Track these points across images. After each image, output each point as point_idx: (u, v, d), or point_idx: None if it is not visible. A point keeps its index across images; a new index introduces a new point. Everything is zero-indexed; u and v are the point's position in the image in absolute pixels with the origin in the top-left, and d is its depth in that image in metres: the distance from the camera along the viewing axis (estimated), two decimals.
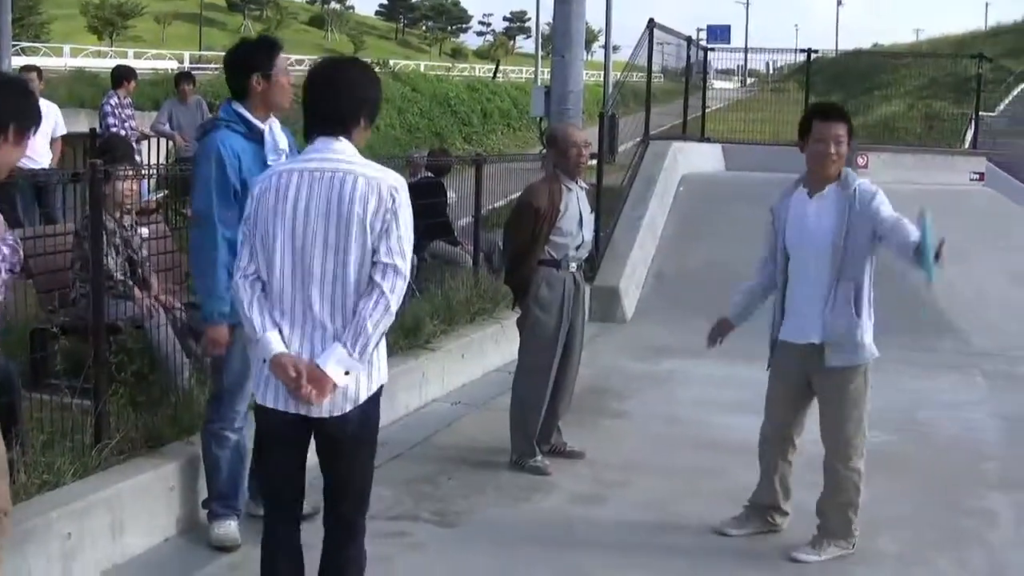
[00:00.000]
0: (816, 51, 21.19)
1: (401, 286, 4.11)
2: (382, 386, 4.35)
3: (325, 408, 4.18)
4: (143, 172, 8.91)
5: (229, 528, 5.79)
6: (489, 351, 10.14)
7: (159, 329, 6.92)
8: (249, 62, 5.58)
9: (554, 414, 7.49)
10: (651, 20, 16.40)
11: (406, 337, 8.88)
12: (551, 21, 14.59)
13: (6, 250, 3.90)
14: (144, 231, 7.90)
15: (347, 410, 4.21)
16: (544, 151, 14.90)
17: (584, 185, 7.62)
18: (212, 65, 50.29)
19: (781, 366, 6.05)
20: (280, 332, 4.16)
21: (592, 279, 12.66)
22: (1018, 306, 12.90)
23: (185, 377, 6.73)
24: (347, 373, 4.11)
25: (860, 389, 5.85)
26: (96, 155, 9.36)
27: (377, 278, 4.07)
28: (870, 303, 5.82)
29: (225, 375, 5.69)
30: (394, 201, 4.10)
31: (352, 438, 4.32)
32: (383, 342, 4.26)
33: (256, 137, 5.54)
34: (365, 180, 4.11)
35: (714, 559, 5.99)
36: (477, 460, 7.51)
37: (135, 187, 7.64)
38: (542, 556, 5.94)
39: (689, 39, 19.40)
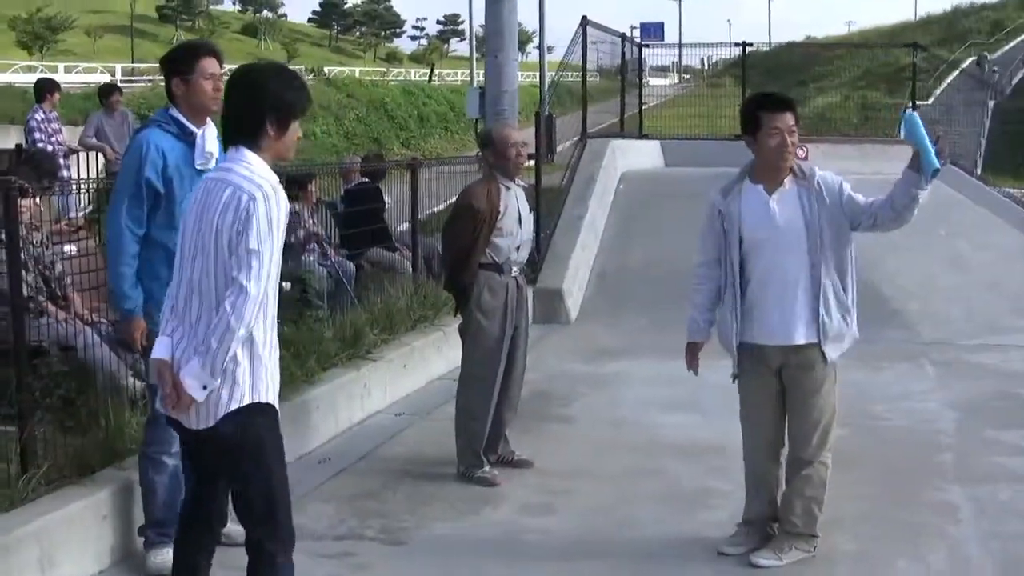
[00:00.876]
0: (751, 44, 21.14)
1: (243, 303, 3.95)
2: (268, 404, 4.21)
3: (192, 419, 4.14)
4: (65, 188, 8.63)
5: (166, 556, 5.50)
6: (432, 359, 9.93)
7: (91, 349, 6.68)
8: (171, 65, 5.53)
9: (500, 423, 7.30)
10: (584, 18, 16.25)
11: (346, 348, 8.65)
12: (484, 24, 14.44)
13: None
14: (71, 248, 7.65)
15: (211, 424, 4.12)
16: (480, 153, 14.84)
17: (523, 184, 7.45)
18: (146, 77, 49.77)
19: (756, 371, 5.79)
20: (173, 338, 4.14)
21: (535, 281, 12.50)
22: (962, 293, 12.89)
23: (116, 399, 6.49)
24: (205, 387, 4.03)
25: (834, 379, 5.74)
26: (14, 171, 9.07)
27: (225, 294, 3.99)
28: (853, 292, 5.71)
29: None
30: (247, 212, 3.96)
31: (226, 452, 4.22)
32: (263, 358, 4.14)
33: (188, 139, 5.46)
34: (232, 190, 4.01)
35: (665, 564, 5.84)
36: (423, 472, 7.30)
37: (39, 203, 7.40)
38: (493, 571, 5.76)
39: (623, 36, 19.28)
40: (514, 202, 7.10)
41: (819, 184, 5.60)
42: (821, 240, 5.55)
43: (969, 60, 51.73)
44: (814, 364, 5.64)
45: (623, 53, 18.79)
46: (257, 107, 4.14)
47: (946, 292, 12.94)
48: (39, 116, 13.44)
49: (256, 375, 4.13)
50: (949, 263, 13.53)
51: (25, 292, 6.78)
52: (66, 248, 7.62)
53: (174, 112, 5.48)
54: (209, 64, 5.49)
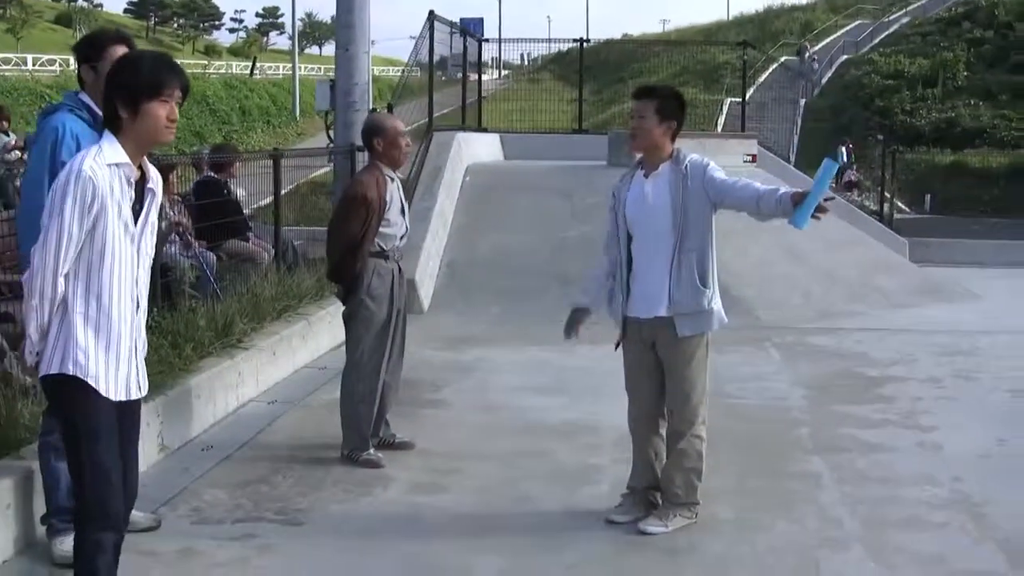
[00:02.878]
0: (588, 40, 21.58)
1: (28, 274, 4.23)
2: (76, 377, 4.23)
3: None
4: None
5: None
6: (297, 348, 10.03)
7: None
8: (81, 53, 5.61)
9: (383, 406, 7.46)
10: (431, 12, 16.43)
11: (219, 337, 8.69)
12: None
13: None
14: None
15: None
16: (332, 143, 14.89)
17: (400, 175, 7.63)
18: None
19: (633, 344, 6.17)
20: None
21: None
22: (798, 281, 13.55)
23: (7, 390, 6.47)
24: (36, 353, 4.30)
25: (703, 356, 6.07)
26: None
27: None
28: (714, 272, 6.02)
29: None
30: (53, 190, 4.24)
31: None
32: (78, 330, 4.21)
33: (98, 126, 5.44)
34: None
35: (561, 535, 6.08)
36: (307, 457, 7.42)
37: None
38: (393, 546, 5.93)
39: (465, 30, 19.52)
40: (397, 193, 7.28)
41: (687, 167, 5.96)
42: (684, 219, 5.90)
43: (783, 58, 53.48)
44: (679, 339, 5.99)
45: (465, 47, 19.05)
46: (108, 94, 4.28)
47: (782, 279, 13.57)
48: None
49: (68, 346, 4.20)
50: (783, 252, 14.16)
51: None
52: None
53: (84, 98, 5.54)
54: (118, 51, 5.53)
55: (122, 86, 4.23)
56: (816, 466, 7.34)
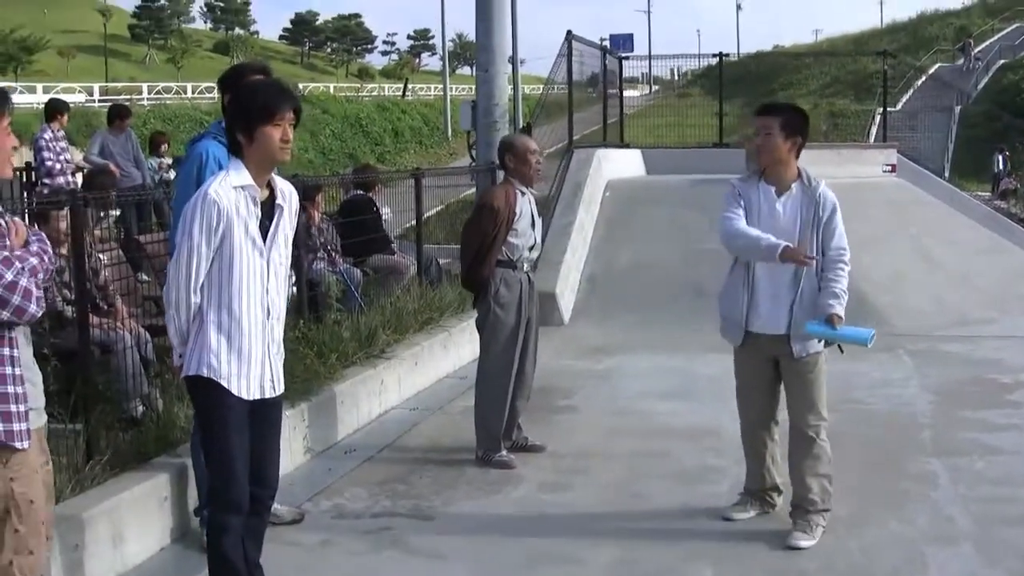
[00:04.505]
0: (727, 54, 21.67)
1: (166, 287, 4.81)
2: (208, 378, 4.74)
3: None
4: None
5: None
6: (439, 358, 10.49)
7: (127, 351, 7.21)
8: (224, 83, 5.98)
9: (514, 410, 7.86)
10: (569, 32, 16.83)
11: (363, 348, 9.19)
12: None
13: (45, 257, 4.05)
14: (103, 257, 8.15)
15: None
16: (474, 162, 15.37)
17: (534, 191, 8.04)
18: (122, 96, 50.08)
19: (750, 356, 6.33)
20: None
21: None
22: (934, 289, 13.53)
23: (137, 403, 7.09)
24: (180, 356, 4.85)
25: (822, 370, 6.22)
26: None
27: None
28: None
29: None
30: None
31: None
32: (212, 337, 4.71)
33: None
34: None
35: (676, 530, 6.39)
36: (443, 459, 7.86)
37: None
38: (519, 540, 6.30)
39: (605, 49, 19.85)
40: (528, 207, 7.69)
41: (820, 197, 6.14)
42: (811, 244, 6.05)
43: (936, 65, 52.50)
44: (803, 360, 6.16)
45: (604, 65, 19.38)
46: (229, 122, 4.80)
47: (917, 286, 13.58)
48: (48, 135, 13.87)
49: (203, 352, 4.72)
50: (920, 259, 14.18)
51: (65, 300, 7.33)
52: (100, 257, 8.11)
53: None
54: None
55: (239, 114, 4.73)
56: (934, 467, 7.51)
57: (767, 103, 6.54)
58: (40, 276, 3.87)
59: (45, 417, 4.27)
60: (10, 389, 3.82)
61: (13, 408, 3.82)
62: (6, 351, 3.83)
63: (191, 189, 5.73)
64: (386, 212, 12.82)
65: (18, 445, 3.83)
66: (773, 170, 6.21)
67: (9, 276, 3.71)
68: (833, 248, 6.12)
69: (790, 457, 6.32)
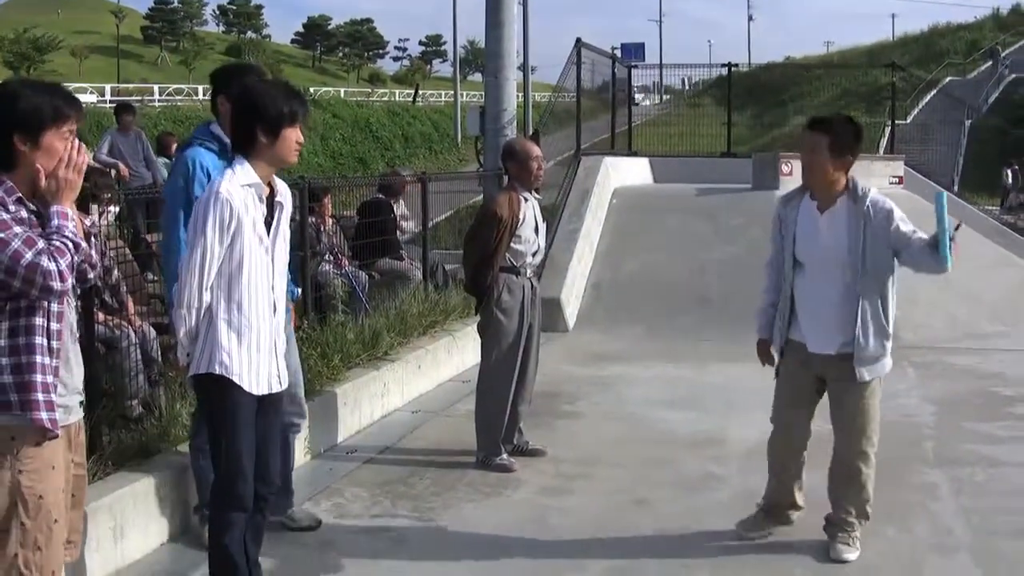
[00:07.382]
0: (736, 65, 21.67)
1: (177, 287, 4.79)
2: (220, 376, 4.76)
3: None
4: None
5: None
6: (443, 361, 10.51)
7: (131, 349, 7.24)
8: (217, 83, 5.91)
9: (515, 414, 7.87)
10: (579, 40, 16.85)
11: (366, 349, 9.21)
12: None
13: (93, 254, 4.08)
14: (110, 254, 8.17)
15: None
16: (482, 168, 15.40)
17: (538, 196, 8.04)
18: (134, 97, 50.19)
19: (792, 370, 6.10)
20: None
21: None
22: (941, 302, 13.48)
23: (136, 404, 7.12)
24: (188, 354, 4.83)
25: (877, 395, 6.00)
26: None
27: None
28: (893, 316, 5.95)
29: None
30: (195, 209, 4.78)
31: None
32: (223, 335, 4.73)
33: (229, 155, 5.82)
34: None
35: (678, 537, 6.37)
36: (444, 462, 7.86)
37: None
38: (520, 543, 6.29)
39: (614, 57, 19.88)
40: (531, 212, 7.69)
41: (869, 208, 5.79)
42: (864, 261, 5.77)
43: (948, 78, 52.44)
44: (853, 376, 5.85)
45: (613, 73, 19.41)
46: (248, 121, 4.77)
47: (924, 300, 13.53)
48: None
49: (214, 350, 4.74)
50: (931, 276, 14.08)
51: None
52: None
53: (215, 128, 5.84)
54: None
55: (264, 115, 4.73)
56: (935, 478, 7.50)
57: (818, 117, 6.06)
58: (69, 258, 3.76)
59: (78, 416, 4.18)
60: (37, 359, 3.76)
61: (39, 379, 3.76)
62: (38, 320, 3.79)
63: (179, 202, 5.71)
64: (409, 225, 12.82)
65: (36, 416, 3.74)
66: (820, 188, 5.93)
67: (29, 256, 3.66)
68: (906, 239, 5.77)
69: (831, 481, 6.12)
